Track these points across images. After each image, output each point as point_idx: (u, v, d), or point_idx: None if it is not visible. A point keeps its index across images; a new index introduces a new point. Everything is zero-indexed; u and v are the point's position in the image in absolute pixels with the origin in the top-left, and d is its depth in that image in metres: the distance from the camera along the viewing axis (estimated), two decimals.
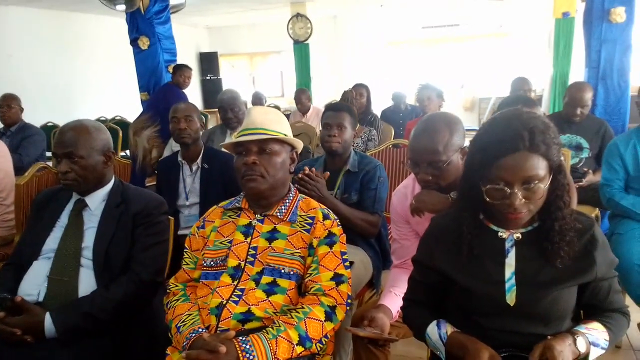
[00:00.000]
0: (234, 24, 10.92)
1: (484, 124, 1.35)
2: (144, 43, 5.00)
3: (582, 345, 1.20)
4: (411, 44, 10.20)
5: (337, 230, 1.57)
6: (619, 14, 4.15)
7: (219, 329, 1.38)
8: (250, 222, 1.58)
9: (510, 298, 1.26)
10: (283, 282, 1.47)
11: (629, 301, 1.93)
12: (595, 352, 1.23)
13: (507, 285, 1.27)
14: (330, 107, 2.46)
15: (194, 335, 1.36)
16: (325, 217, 1.58)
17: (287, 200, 1.61)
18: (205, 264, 1.55)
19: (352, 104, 4.25)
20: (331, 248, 1.52)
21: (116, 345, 1.63)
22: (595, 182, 3.06)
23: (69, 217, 1.80)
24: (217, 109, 3.57)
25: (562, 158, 1.23)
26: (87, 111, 6.50)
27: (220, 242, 1.56)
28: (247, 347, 1.29)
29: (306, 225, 1.55)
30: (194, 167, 2.70)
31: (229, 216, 1.63)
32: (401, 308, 1.52)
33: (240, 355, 1.27)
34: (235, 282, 1.47)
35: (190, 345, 1.33)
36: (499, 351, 1.22)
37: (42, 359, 1.49)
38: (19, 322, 1.53)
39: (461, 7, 9.26)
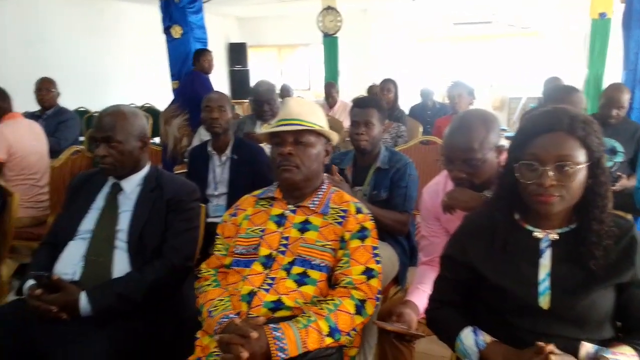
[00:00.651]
0: (263, 15, 10.94)
1: (528, 113, 1.37)
2: (176, 32, 5.07)
3: None
4: (441, 40, 10.07)
5: (369, 224, 1.57)
6: None
7: (249, 315, 1.40)
8: (283, 212, 1.60)
9: (544, 300, 1.24)
10: (314, 274, 1.48)
11: None
12: None
13: (540, 288, 1.25)
14: (357, 104, 2.39)
15: (225, 320, 1.38)
16: (358, 210, 1.58)
17: (320, 192, 1.62)
18: (236, 252, 1.57)
19: (382, 98, 4.24)
20: (363, 242, 1.53)
21: (148, 327, 1.67)
22: (629, 187, 2.99)
23: (104, 200, 1.84)
24: (249, 100, 3.57)
25: (603, 156, 1.21)
26: (118, 98, 6.58)
27: (252, 231, 1.58)
28: (278, 334, 1.30)
29: (338, 218, 1.56)
30: (224, 158, 2.73)
31: (261, 205, 1.65)
32: (426, 310, 1.50)
33: (271, 342, 1.28)
34: (267, 271, 1.49)
35: (222, 329, 1.35)
36: None
37: (77, 337, 1.52)
38: (56, 299, 1.57)
39: (495, 4, 9.10)
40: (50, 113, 4.07)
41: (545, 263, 1.27)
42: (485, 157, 1.58)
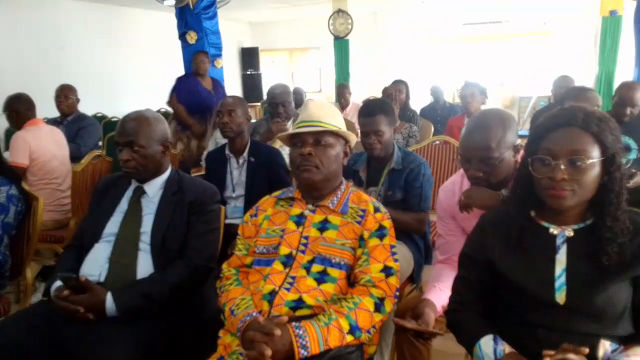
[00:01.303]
0: (275, 20, 11.02)
1: (538, 112, 1.40)
2: (191, 37, 5.14)
3: None
4: (452, 41, 10.06)
5: (387, 223, 1.60)
6: None
7: (271, 314, 1.43)
8: (303, 212, 1.63)
9: (560, 296, 1.25)
10: (333, 272, 1.51)
11: None
12: None
13: (557, 284, 1.27)
14: (363, 113, 2.34)
15: (248, 318, 1.41)
16: (377, 210, 1.61)
17: (339, 192, 1.65)
18: (257, 251, 1.60)
19: (394, 101, 4.26)
20: (381, 241, 1.56)
21: (171, 326, 1.71)
22: None
23: (128, 203, 1.89)
24: (263, 102, 3.61)
25: (619, 153, 1.22)
26: (133, 103, 6.69)
27: (273, 230, 1.62)
28: (301, 332, 1.33)
29: (357, 217, 1.59)
30: (241, 161, 2.77)
31: (281, 205, 1.68)
32: (446, 311, 1.51)
33: (293, 340, 1.32)
34: (287, 270, 1.52)
35: (246, 327, 1.38)
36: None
37: (103, 337, 1.56)
38: (83, 300, 1.61)
39: (504, 3, 9.08)
40: (70, 119, 4.14)
41: (561, 259, 1.29)
42: (502, 156, 1.59)
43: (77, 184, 3.00)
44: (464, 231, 1.84)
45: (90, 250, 1.82)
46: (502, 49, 9.74)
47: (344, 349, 1.38)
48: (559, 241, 1.30)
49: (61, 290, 1.65)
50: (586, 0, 7.63)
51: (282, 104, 3.37)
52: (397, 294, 1.54)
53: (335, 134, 1.63)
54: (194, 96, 4.44)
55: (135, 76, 7.87)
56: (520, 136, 1.71)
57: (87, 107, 5.44)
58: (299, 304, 1.44)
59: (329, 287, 1.48)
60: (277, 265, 1.54)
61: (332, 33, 8.12)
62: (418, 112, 5.59)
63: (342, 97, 5.84)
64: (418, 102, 6.31)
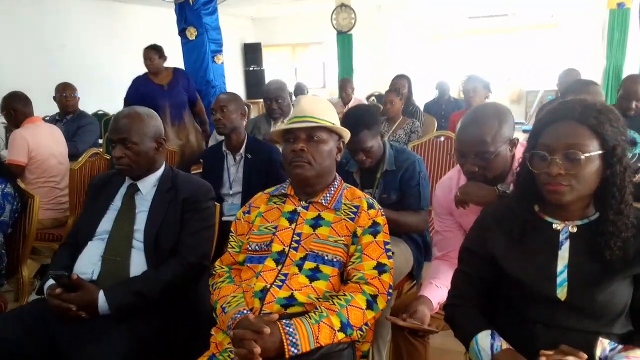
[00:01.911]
0: (277, 15, 10.99)
1: (545, 105, 1.37)
2: (191, 33, 5.11)
3: None
4: (457, 34, 9.99)
5: (381, 220, 1.58)
6: None
7: (262, 311, 1.41)
8: (295, 208, 1.61)
9: (562, 292, 1.23)
10: (326, 269, 1.49)
11: None
12: None
13: (558, 279, 1.25)
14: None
15: (239, 316, 1.40)
16: (370, 206, 1.59)
17: (332, 188, 1.63)
18: (250, 248, 1.59)
19: (401, 94, 4.23)
20: (375, 237, 1.53)
21: (164, 324, 1.69)
22: None
23: (122, 200, 1.87)
24: (262, 99, 3.57)
25: (622, 146, 1.19)
26: None
27: (265, 227, 1.60)
28: (291, 330, 1.32)
29: (350, 214, 1.57)
30: (238, 157, 2.75)
31: (274, 202, 1.66)
32: (445, 306, 1.49)
33: (283, 337, 1.30)
34: (279, 267, 1.50)
35: (236, 325, 1.37)
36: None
37: (96, 335, 1.55)
38: (75, 298, 1.60)
39: None
40: (70, 118, 4.12)
41: (564, 255, 1.27)
42: (498, 151, 1.57)
43: (75, 181, 2.99)
44: (461, 227, 1.82)
45: (84, 248, 1.81)
46: (509, 43, 9.66)
47: (335, 346, 1.37)
48: (562, 237, 1.28)
49: (53, 288, 1.64)
50: None
51: (276, 99, 3.33)
52: (391, 291, 1.52)
53: (329, 130, 1.60)
54: (142, 97, 4.25)
55: (136, 73, 7.87)
56: (526, 131, 1.68)
57: (89, 104, 5.46)
58: (290, 301, 1.43)
59: (321, 285, 1.46)
60: (270, 263, 1.52)
61: (335, 28, 8.09)
62: (422, 106, 5.56)
63: (344, 92, 5.81)
64: (423, 97, 6.27)
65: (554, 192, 1.21)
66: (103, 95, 6.74)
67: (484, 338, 1.28)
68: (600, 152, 1.18)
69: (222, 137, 2.91)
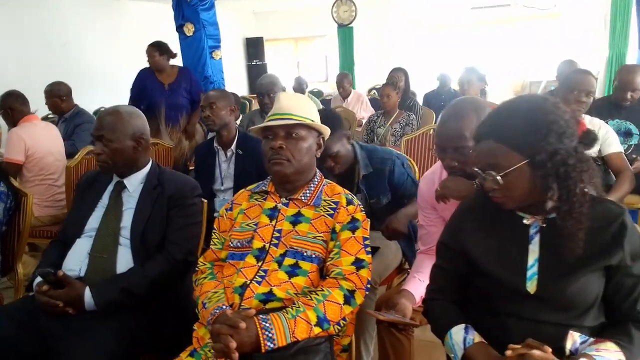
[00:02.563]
0: (279, 9, 10.96)
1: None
2: (189, 29, 5.13)
3: None
4: (459, 25, 9.91)
5: (360, 215, 1.59)
6: None
7: (241, 307, 1.43)
8: (276, 205, 1.62)
9: (531, 286, 1.25)
10: (305, 265, 1.50)
11: None
12: None
13: (528, 273, 1.26)
14: None
15: (218, 311, 1.42)
16: (349, 202, 1.60)
17: (312, 185, 1.64)
18: (231, 245, 1.61)
19: (398, 87, 4.23)
20: (353, 233, 1.55)
21: (151, 320, 1.72)
22: None
23: (109, 198, 1.90)
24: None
25: (546, 150, 1.17)
26: None
27: (247, 224, 1.62)
28: (267, 325, 1.34)
29: (330, 210, 1.58)
30: (229, 153, 2.77)
31: (255, 199, 1.68)
32: (424, 300, 1.51)
33: (260, 332, 1.32)
34: (260, 263, 1.52)
35: (214, 320, 1.39)
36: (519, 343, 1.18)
37: (83, 330, 1.58)
38: (61, 295, 1.64)
39: None
40: (68, 116, 4.11)
41: (534, 249, 1.28)
42: None
43: (72, 179, 3.02)
44: (444, 221, 1.82)
45: (72, 245, 1.84)
46: (511, 33, 9.58)
47: (312, 341, 1.38)
48: (532, 231, 1.29)
49: (41, 285, 1.67)
50: None
51: (267, 94, 3.35)
52: (369, 286, 1.53)
53: (307, 127, 1.61)
54: (142, 91, 4.32)
55: (137, 70, 7.92)
56: None
57: (91, 102, 5.50)
58: (269, 296, 1.45)
59: (300, 280, 1.48)
60: (250, 259, 1.54)
61: (335, 21, 8.07)
62: (422, 97, 5.55)
63: (341, 87, 5.80)
64: (425, 89, 6.25)
65: (498, 204, 1.27)
66: (105, 93, 6.78)
67: (457, 332, 1.30)
68: (520, 164, 1.19)
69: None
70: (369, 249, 1.56)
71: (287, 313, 1.38)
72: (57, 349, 1.56)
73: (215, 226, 1.71)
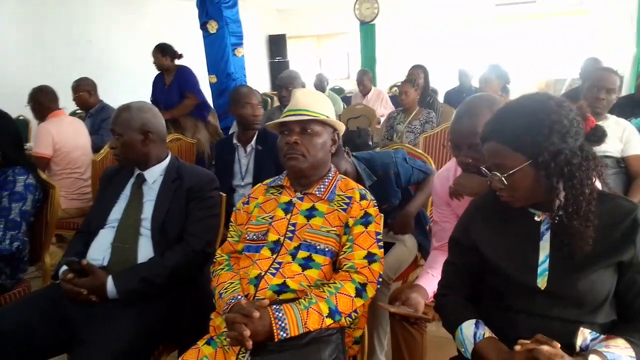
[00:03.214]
0: (302, 6, 10.99)
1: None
2: (212, 27, 5.17)
3: None
4: (483, 22, 9.79)
5: (373, 210, 1.61)
6: None
7: (256, 297, 1.47)
8: (291, 199, 1.66)
9: (542, 282, 1.25)
10: (318, 258, 1.54)
11: None
12: None
13: (539, 269, 1.27)
14: None
15: (233, 301, 1.47)
16: (362, 197, 1.62)
17: (327, 180, 1.67)
18: (248, 238, 1.65)
19: (416, 84, 4.23)
20: (366, 228, 1.57)
21: (170, 309, 1.78)
22: None
23: (131, 190, 1.96)
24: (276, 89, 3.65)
25: (549, 151, 1.17)
26: None
27: (263, 218, 1.66)
28: (280, 315, 1.37)
29: (343, 205, 1.61)
30: (248, 149, 2.82)
31: (271, 193, 1.72)
32: (435, 295, 1.53)
33: (273, 322, 1.36)
34: (274, 256, 1.56)
35: (229, 310, 1.44)
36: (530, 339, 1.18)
37: (105, 318, 1.64)
38: (85, 283, 1.70)
39: None
40: (94, 111, 4.24)
41: (545, 245, 1.28)
42: None
43: (97, 172, 3.12)
44: (458, 218, 1.83)
45: (96, 235, 1.90)
46: (537, 30, 9.42)
47: (324, 332, 1.41)
48: (543, 227, 1.30)
49: (66, 273, 1.74)
50: None
51: (286, 87, 3.41)
52: (380, 280, 1.55)
53: (322, 123, 1.64)
54: (152, 92, 4.69)
55: None
56: None
57: (114, 98, 5.60)
58: (283, 288, 1.48)
59: (313, 273, 1.51)
60: (265, 252, 1.58)
61: (357, 18, 8.05)
62: (443, 95, 5.52)
63: (361, 84, 5.81)
64: (446, 86, 6.21)
65: (505, 203, 1.29)
66: (127, 89, 6.90)
67: (468, 327, 1.32)
68: (524, 164, 1.20)
69: (236, 129, 2.99)
70: (381, 243, 1.59)
71: (299, 304, 1.42)
72: (80, 335, 1.62)
73: (232, 219, 1.76)
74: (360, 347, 1.64)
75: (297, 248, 1.56)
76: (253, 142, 2.80)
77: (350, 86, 9.28)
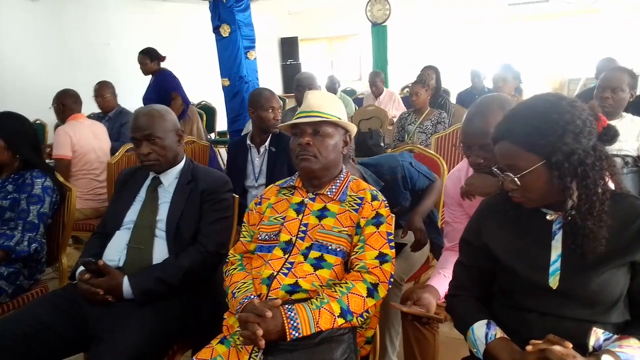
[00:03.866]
0: (314, 8, 11.01)
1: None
2: (225, 30, 5.22)
3: None
4: (495, 22, 9.72)
5: (384, 211, 1.62)
6: None
7: (269, 297, 1.49)
8: (303, 200, 1.68)
9: (554, 281, 1.25)
10: (330, 258, 1.55)
11: None
12: None
13: (551, 269, 1.26)
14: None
15: (246, 300, 1.49)
16: (374, 198, 1.63)
17: (338, 181, 1.69)
18: (260, 238, 1.67)
19: (427, 85, 4.23)
20: (378, 228, 1.58)
21: (184, 309, 1.80)
22: None
23: (146, 192, 1.99)
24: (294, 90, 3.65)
25: (562, 151, 1.17)
26: None
27: (275, 218, 1.67)
28: (292, 314, 1.39)
29: (355, 205, 1.62)
30: (262, 150, 2.84)
31: (283, 194, 1.74)
32: (446, 296, 1.53)
33: (285, 321, 1.38)
34: (286, 256, 1.57)
35: (242, 309, 1.46)
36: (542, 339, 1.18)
37: (121, 317, 1.67)
38: (102, 283, 1.73)
39: None
40: (112, 115, 4.31)
41: (557, 245, 1.28)
42: None
43: (113, 175, 3.17)
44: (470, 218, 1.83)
45: (112, 237, 1.94)
46: (549, 29, 9.33)
47: (336, 331, 1.42)
48: (555, 227, 1.30)
49: (83, 274, 1.77)
50: None
51: (309, 87, 3.40)
52: (392, 280, 1.56)
53: (334, 124, 1.66)
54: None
55: (176, 70, 8.09)
56: None
57: (133, 101, 5.68)
58: (295, 288, 1.50)
59: (324, 273, 1.53)
60: (277, 252, 1.60)
61: (369, 19, 8.06)
62: (455, 96, 5.49)
63: (373, 86, 5.81)
64: (459, 87, 6.19)
65: (518, 203, 1.29)
66: (143, 93, 6.99)
67: (479, 328, 1.32)
68: (537, 165, 1.20)
69: (250, 130, 3.01)
70: (392, 244, 1.59)
71: (311, 304, 1.43)
72: (96, 334, 1.65)
73: (244, 219, 1.78)
74: (372, 347, 1.65)
75: (309, 248, 1.57)
76: (267, 143, 2.83)
77: (362, 88, 9.28)
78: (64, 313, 1.73)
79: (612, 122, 1.29)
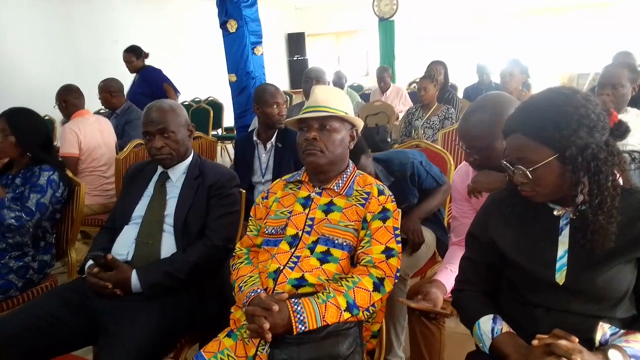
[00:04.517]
0: (321, 3, 11.00)
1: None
2: (232, 26, 5.22)
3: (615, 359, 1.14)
4: (503, 17, 9.67)
5: (391, 206, 1.62)
6: None
7: (275, 291, 1.50)
8: (310, 194, 1.68)
9: (560, 277, 1.25)
10: (336, 252, 1.55)
11: None
12: None
13: (558, 264, 1.26)
14: None
15: (252, 294, 1.50)
16: (380, 192, 1.64)
17: (345, 175, 1.69)
18: (266, 232, 1.67)
19: (435, 80, 4.22)
20: (384, 223, 1.58)
21: (192, 302, 1.82)
22: None
23: (154, 187, 2.01)
24: (302, 83, 3.64)
25: (576, 145, 1.16)
26: (183, 93, 6.99)
27: (281, 212, 1.68)
28: (299, 308, 1.40)
29: (361, 200, 1.62)
30: (268, 146, 2.85)
31: (290, 188, 1.74)
32: (452, 291, 1.53)
33: (292, 315, 1.38)
34: (293, 250, 1.58)
35: (249, 303, 1.47)
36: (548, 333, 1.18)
37: (129, 311, 1.69)
38: (110, 277, 1.75)
39: None
40: (119, 111, 4.29)
41: (564, 240, 1.28)
42: (490, 144, 1.57)
43: (120, 170, 3.19)
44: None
45: (120, 231, 1.95)
46: (558, 23, 9.26)
47: (342, 325, 1.43)
48: (562, 222, 1.29)
49: (92, 268, 1.79)
50: None
51: (317, 79, 3.44)
52: (398, 274, 1.56)
53: (341, 119, 1.66)
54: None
55: (184, 66, 8.12)
56: None
57: None
58: (301, 282, 1.50)
59: (331, 267, 1.53)
60: (284, 246, 1.60)
61: (376, 15, 8.03)
62: (462, 91, 5.47)
63: (381, 81, 5.80)
64: (467, 82, 6.16)
65: (527, 197, 1.28)
66: None
67: (485, 322, 1.32)
68: (550, 158, 1.18)
69: (256, 126, 3.02)
70: (399, 238, 1.60)
71: (318, 298, 1.44)
72: (105, 327, 1.67)
73: (251, 214, 1.79)
74: (378, 342, 1.65)
75: (315, 242, 1.58)
76: (273, 139, 2.84)
77: (369, 83, 9.26)
78: (73, 306, 1.75)
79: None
